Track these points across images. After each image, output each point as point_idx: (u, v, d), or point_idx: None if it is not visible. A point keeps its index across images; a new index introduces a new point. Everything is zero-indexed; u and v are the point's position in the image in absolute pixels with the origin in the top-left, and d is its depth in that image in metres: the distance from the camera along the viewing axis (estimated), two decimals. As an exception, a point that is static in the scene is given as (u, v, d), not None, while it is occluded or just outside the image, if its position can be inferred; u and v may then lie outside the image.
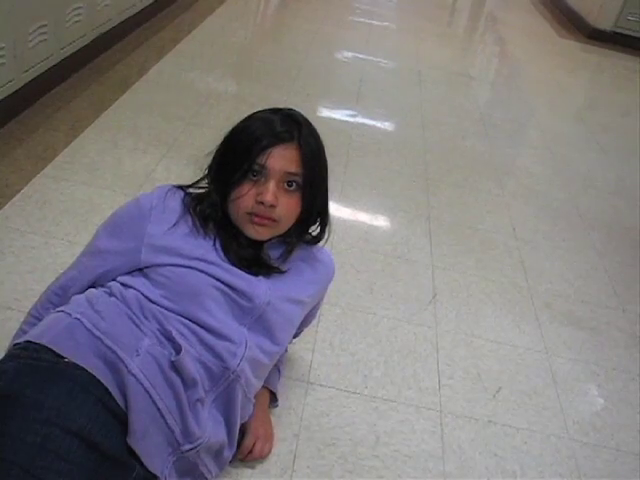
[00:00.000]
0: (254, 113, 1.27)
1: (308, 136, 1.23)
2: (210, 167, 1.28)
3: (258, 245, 1.25)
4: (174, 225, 1.20)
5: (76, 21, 2.93)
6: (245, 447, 1.38)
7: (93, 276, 1.24)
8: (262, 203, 1.18)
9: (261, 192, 1.18)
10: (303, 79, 3.65)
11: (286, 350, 1.58)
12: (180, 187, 1.28)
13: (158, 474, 1.08)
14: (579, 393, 1.86)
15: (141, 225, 1.20)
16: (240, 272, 1.21)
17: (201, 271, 1.18)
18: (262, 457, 1.42)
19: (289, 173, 1.20)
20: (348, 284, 2.07)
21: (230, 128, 1.27)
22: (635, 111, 4.29)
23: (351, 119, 3.28)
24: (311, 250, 1.38)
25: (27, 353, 1.06)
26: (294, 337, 1.54)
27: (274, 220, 1.22)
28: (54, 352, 1.05)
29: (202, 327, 1.16)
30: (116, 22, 3.42)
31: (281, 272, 1.27)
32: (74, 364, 1.04)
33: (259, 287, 1.22)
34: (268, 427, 1.46)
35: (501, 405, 1.74)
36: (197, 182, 1.29)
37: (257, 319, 1.22)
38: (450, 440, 1.60)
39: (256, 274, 1.24)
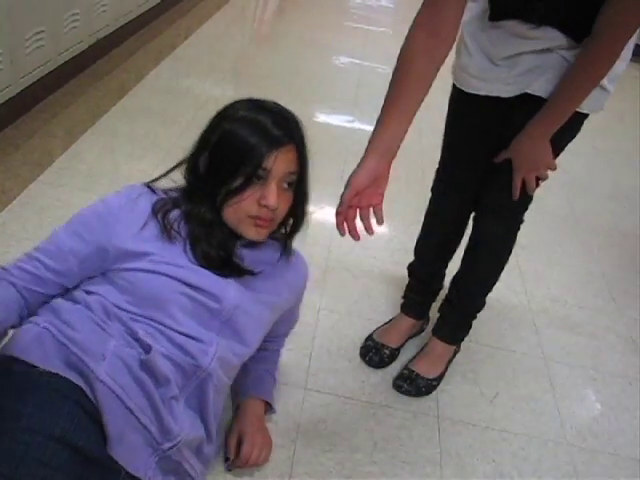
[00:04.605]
0: (235, 112, 1.24)
1: (300, 133, 1.23)
2: (192, 171, 1.24)
3: (230, 247, 1.23)
4: (143, 227, 1.17)
5: (73, 27, 2.93)
6: (245, 455, 1.38)
7: (58, 280, 1.17)
8: (266, 206, 1.18)
9: (264, 196, 1.17)
10: (300, 85, 3.66)
11: (279, 355, 1.57)
12: (149, 186, 1.25)
13: (142, 476, 1.06)
14: (577, 398, 1.85)
15: (108, 225, 1.16)
16: (209, 273, 1.19)
17: (168, 276, 1.15)
18: (259, 464, 1.41)
19: (290, 173, 1.20)
20: (345, 290, 2.07)
21: (207, 125, 1.24)
22: (631, 116, 4.30)
23: (348, 124, 3.29)
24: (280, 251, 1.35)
25: None
26: (281, 338, 1.55)
27: (273, 220, 1.22)
28: (26, 363, 1.03)
29: (170, 329, 1.14)
30: (113, 28, 3.43)
31: (252, 274, 1.24)
32: (47, 372, 1.02)
33: (228, 289, 1.20)
34: (265, 434, 1.46)
35: (499, 410, 1.74)
36: (165, 174, 1.27)
37: (225, 322, 1.20)
38: (448, 446, 1.60)
39: (226, 276, 1.21)
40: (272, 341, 1.52)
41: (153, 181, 1.28)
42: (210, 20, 4.45)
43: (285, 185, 1.21)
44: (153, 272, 1.14)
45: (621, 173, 3.51)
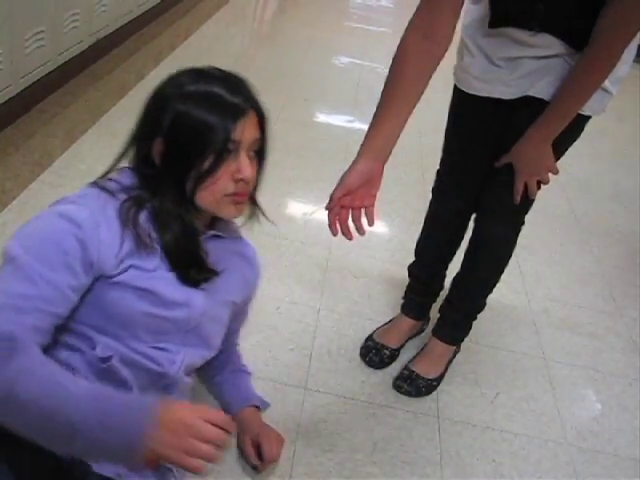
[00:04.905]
0: (181, 88, 1.09)
1: (254, 95, 1.14)
2: (145, 161, 1.15)
3: (196, 240, 1.15)
4: (121, 245, 1.04)
5: (74, 27, 2.93)
6: (270, 454, 1.39)
7: (58, 322, 1.02)
8: (242, 180, 1.10)
9: (239, 169, 1.09)
10: (300, 84, 3.66)
11: (237, 344, 1.54)
12: (102, 187, 1.11)
13: (113, 476, 1.04)
14: (577, 398, 1.86)
15: (90, 247, 1.01)
16: (178, 282, 1.11)
17: (140, 290, 1.06)
18: (276, 460, 1.43)
19: (256, 140, 1.13)
20: (345, 290, 2.07)
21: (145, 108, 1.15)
22: (631, 116, 4.30)
23: (348, 124, 3.28)
24: (238, 245, 1.31)
25: None
26: (235, 334, 1.51)
27: (248, 192, 1.15)
28: None
29: (135, 343, 1.10)
30: (113, 28, 3.43)
31: (216, 274, 1.16)
32: None
33: (197, 297, 1.15)
34: (275, 431, 1.46)
35: (499, 411, 1.74)
36: (110, 169, 1.19)
37: (191, 330, 1.16)
38: (448, 446, 1.60)
39: (196, 284, 1.14)
40: (226, 341, 1.46)
41: (100, 178, 1.16)
42: (210, 20, 4.45)
43: (252, 154, 1.13)
44: (125, 288, 1.05)
45: (621, 173, 3.51)
